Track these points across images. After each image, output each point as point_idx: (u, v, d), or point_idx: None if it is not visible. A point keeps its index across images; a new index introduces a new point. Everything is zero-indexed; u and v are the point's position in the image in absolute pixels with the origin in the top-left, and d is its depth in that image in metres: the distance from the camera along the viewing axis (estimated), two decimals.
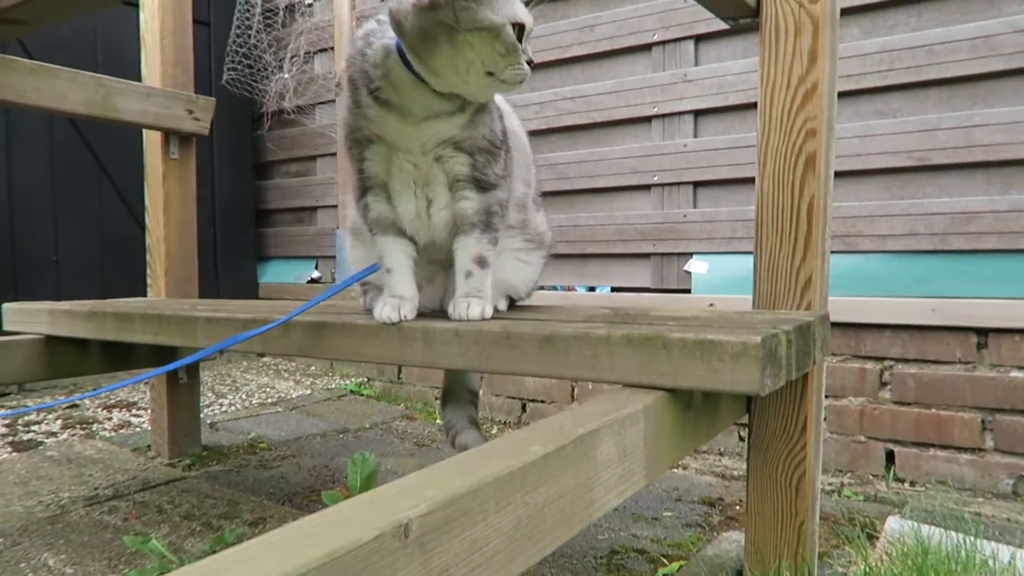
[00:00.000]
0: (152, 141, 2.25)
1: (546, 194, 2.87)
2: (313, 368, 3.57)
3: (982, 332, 2.05)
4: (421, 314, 1.27)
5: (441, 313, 1.29)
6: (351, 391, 3.18)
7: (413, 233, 1.27)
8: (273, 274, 3.92)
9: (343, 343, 1.28)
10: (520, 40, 1.04)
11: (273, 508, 1.80)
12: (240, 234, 3.89)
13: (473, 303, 1.21)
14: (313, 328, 1.32)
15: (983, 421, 2.04)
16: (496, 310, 1.33)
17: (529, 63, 1.05)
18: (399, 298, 1.23)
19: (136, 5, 2.30)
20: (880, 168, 2.26)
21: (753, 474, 1.29)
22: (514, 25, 1.03)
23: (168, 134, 2.22)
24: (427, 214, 1.25)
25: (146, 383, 2.29)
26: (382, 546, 0.53)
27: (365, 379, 3.35)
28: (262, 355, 3.83)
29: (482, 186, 1.23)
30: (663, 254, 2.63)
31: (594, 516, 0.82)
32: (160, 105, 2.15)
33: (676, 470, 2.27)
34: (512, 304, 1.44)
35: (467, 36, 1.03)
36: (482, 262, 1.24)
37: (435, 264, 1.34)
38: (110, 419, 2.61)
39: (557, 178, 2.88)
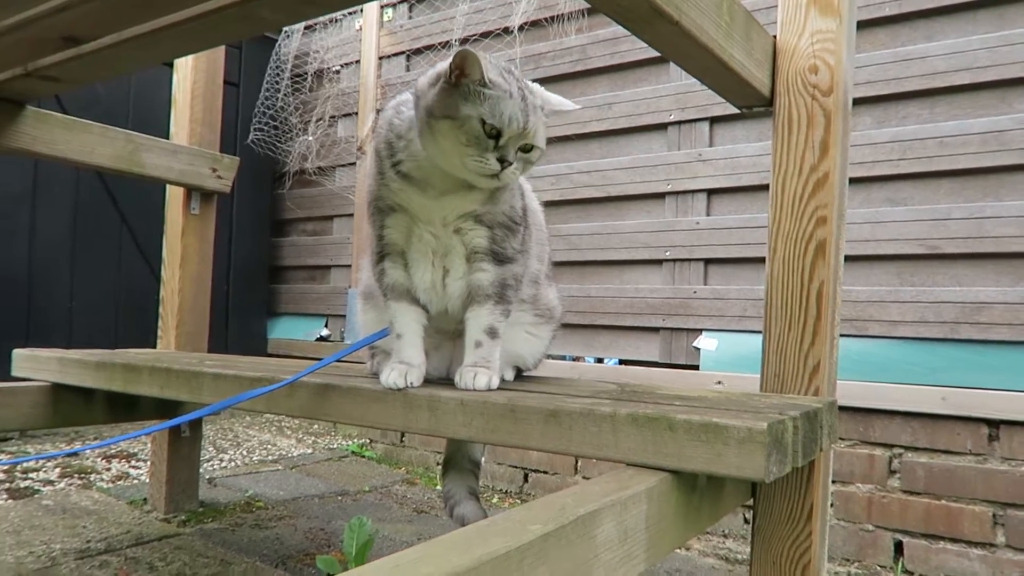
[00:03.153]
0: (174, 196, 2.30)
1: (558, 264, 2.90)
2: (316, 427, 3.55)
3: (993, 424, 2.02)
4: (427, 381, 1.27)
5: (446, 381, 1.29)
6: (352, 452, 3.15)
7: (426, 301, 1.28)
8: (283, 330, 3.94)
9: (348, 407, 1.28)
10: (499, 139, 1.07)
11: (266, 571, 1.76)
12: (253, 289, 3.93)
13: (480, 373, 1.21)
14: (319, 390, 1.33)
15: (994, 515, 1.99)
16: (503, 380, 1.33)
17: (501, 161, 1.08)
18: (407, 364, 1.24)
19: (171, 66, 2.38)
20: (891, 254, 2.27)
21: (757, 561, 1.26)
22: (485, 123, 1.06)
23: (191, 190, 2.27)
24: (443, 283, 1.26)
25: (152, 438, 2.29)
26: None
27: (367, 440, 3.32)
28: (265, 411, 3.82)
29: (499, 259, 1.25)
30: (672, 329, 2.64)
31: None
32: (185, 162, 2.20)
33: (679, 551, 2.22)
34: (519, 374, 1.44)
35: (438, 122, 1.07)
36: (493, 333, 1.25)
37: (443, 333, 1.35)
38: (109, 469, 2.59)
39: (569, 248, 2.91)
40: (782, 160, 1.30)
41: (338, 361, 1.35)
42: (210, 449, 2.99)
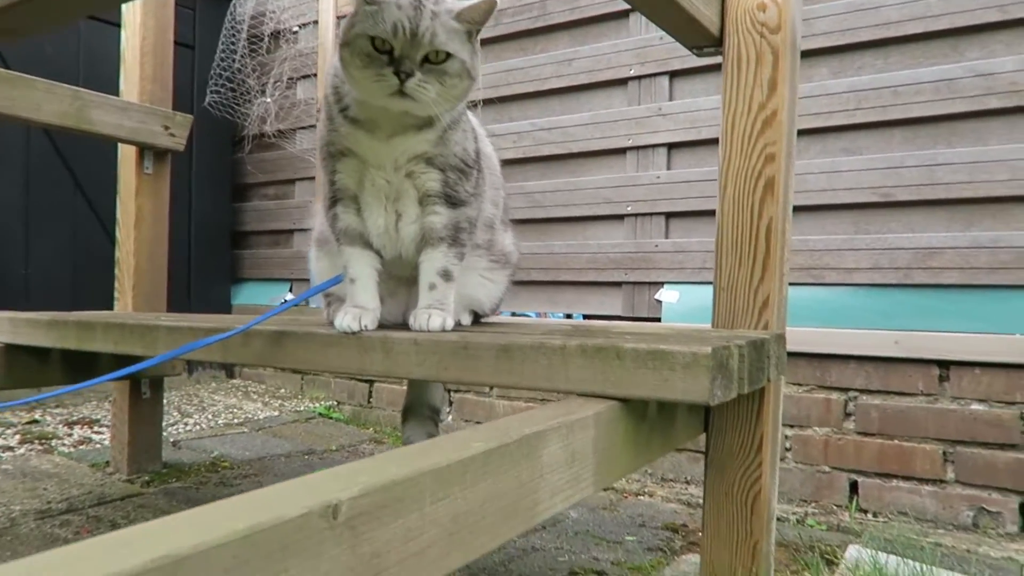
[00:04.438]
0: (127, 155, 2.25)
1: (522, 222, 2.90)
2: (283, 390, 3.54)
3: (944, 365, 2.08)
4: (383, 327, 1.27)
5: (403, 326, 1.29)
6: (320, 414, 3.15)
7: (380, 246, 1.28)
8: (247, 296, 3.90)
9: (303, 352, 1.28)
10: (393, 53, 1.06)
11: None
12: (215, 255, 3.88)
13: (434, 314, 1.21)
14: (274, 337, 1.32)
15: (944, 453, 2.06)
16: (460, 325, 1.34)
17: (398, 74, 1.06)
18: (361, 308, 1.24)
19: (119, 25, 2.32)
20: (846, 204, 2.31)
21: (709, 493, 1.29)
22: (374, 39, 1.05)
23: (143, 149, 2.22)
24: (396, 228, 1.26)
25: (110, 398, 2.26)
26: (308, 524, 0.53)
27: (335, 402, 3.32)
28: (231, 376, 3.79)
29: (452, 202, 1.24)
30: (635, 283, 2.66)
31: (538, 518, 0.82)
32: (136, 120, 2.16)
33: (642, 497, 2.27)
34: (477, 320, 1.45)
35: (343, 53, 1.09)
36: (447, 275, 1.25)
37: (398, 279, 1.34)
38: (71, 435, 2.57)
39: (533, 206, 2.91)
40: (732, 99, 1.31)
41: (297, 314, 1.35)
42: (175, 414, 2.97)
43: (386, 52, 1.06)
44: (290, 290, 3.70)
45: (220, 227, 3.91)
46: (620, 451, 0.98)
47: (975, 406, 2.03)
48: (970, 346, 2.04)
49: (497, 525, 0.74)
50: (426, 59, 1.07)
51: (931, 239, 2.16)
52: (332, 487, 0.57)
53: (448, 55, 1.08)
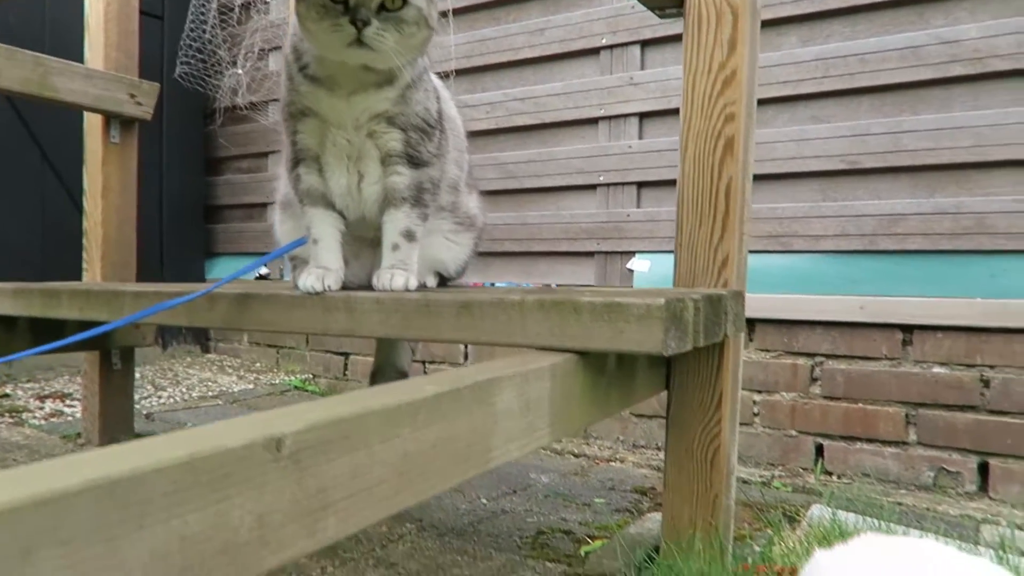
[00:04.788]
0: (93, 124, 2.22)
1: (496, 193, 2.90)
2: (258, 364, 3.54)
3: (907, 329, 2.12)
4: (347, 288, 1.27)
5: (367, 288, 1.30)
6: (295, 387, 3.15)
7: (343, 207, 1.28)
8: (221, 270, 3.88)
9: (268, 314, 1.29)
10: (348, 3, 1.06)
11: None
12: (189, 230, 3.85)
13: (397, 274, 1.22)
14: (239, 300, 1.32)
15: (907, 415, 2.10)
16: (425, 287, 1.35)
17: (354, 23, 1.06)
18: (324, 269, 1.24)
19: None
20: (814, 171, 2.33)
21: (671, 449, 1.32)
22: None
23: (109, 118, 2.19)
24: (358, 188, 1.26)
25: (81, 371, 2.25)
26: (251, 455, 0.54)
27: (310, 376, 3.33)
28: (206, 351, 3.78)
29: (415, 163, 1.25)
30: (607, 252, 2.67)
31: (492, 463, 0.84)
32: (101, 87, 2.13)
33: (614, 463, 2.30)
34: (443, 283, 1.46)
35: (299, 7, 1.09)
36: (410, 236, 1.26)
37: (363, 240, 1.35)
38: (42, 408, 2.55)
39: (507, 177, 2.91)
40: (692, 59, 1.31)
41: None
42: (148, 387, 2.96)
43: (341, 2, 1.05)
44: (264, 264, 3.68)
45: (193, 201, 3.88)
46: (578, 403, 1.00)
47: (937, 369, 2.07)
48: (932, 310, 2.08)
49: (449, 468, 0.76)
50: (382, 7, 1.07)
51: (896, 206, 2.19)
52: (277, 422, 0.58)
53: (404, 2, 1.08)
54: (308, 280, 1.21)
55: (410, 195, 1.24)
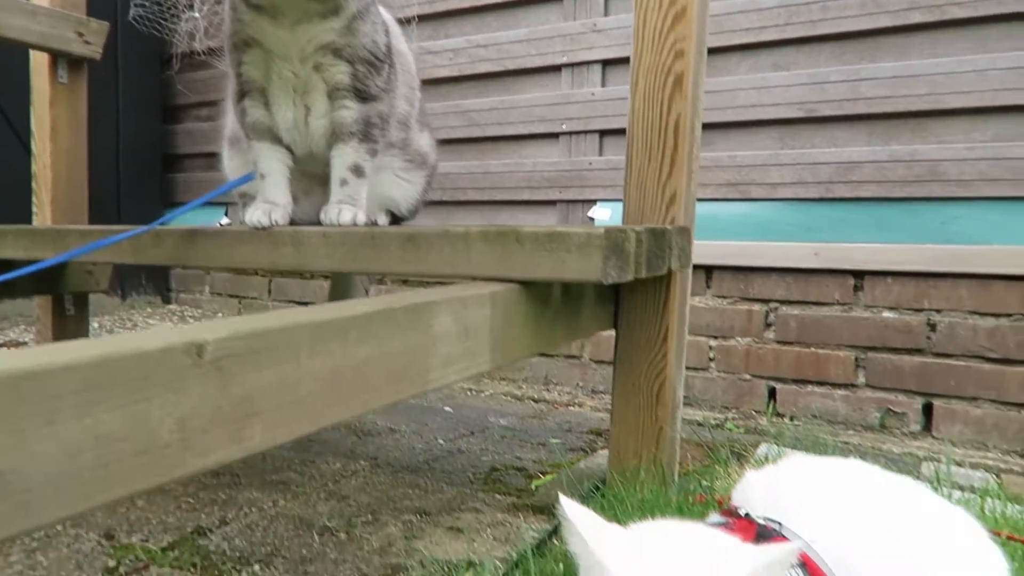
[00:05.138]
0: (39, 64, 2.16)
1: (458, 141, 2.88)
2: (220, 314, 3.51)
3: (859, 275, 2.16)
4: (296, 225, 1.27)
5: (317, 225, 1.29)
6: None
7: (290, 142, 1.27)
8: (181, 221, 3.81)
9: (215, 250, 1.28)
10: None
11: None
12: (146, 179, 3.77)
13: (345, 209, 1.22)
14: (186, 236, 1.31)
15: (856, 359, 2.16)
16: (375, 225, 1.35)
17: None
18: (271, 203, 1.23)
19: None
20: (773, 119, 2.34)
21: (618, 383, 1.34)
22: None
23: (56, 57, 2.13)
24: (305, 123, 1.25)
25: (36, 318, 2.22)
26: (171, 359, 0.54)
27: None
28: (167, 302, 3.74)
29: (362, 96, 1.23)
30: (569, 201, 2.68)
31: (431, 385, 0.85)
32: (46, 24, 2.06)
33: (572, 408, 2.34)
34: (395, 222, 1.45)
35: None
36: (358, 171, 1.25)
37: (312, 178, 1.34)
38: None
39: (469, 125, 2.88)
40: None
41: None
42: (106, 337, 2.93)
43: None
44: (225, 214, 3.63)
45: (150, 150, 3.79)
46: (520, 331, 1.01)
47: (886, 314, 2.12)
48: (884, 256, 2.12)
49: (384, 386, 0.76)
50: None
51: (852, 154, 2.21)
52: (200, 330, 0.58)
53: None
54: (255, 215, 1.20)
55: (358, 130, 1.23)
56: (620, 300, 1.32)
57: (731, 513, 0.89)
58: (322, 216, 1.22)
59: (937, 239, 2.09)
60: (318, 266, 1.16)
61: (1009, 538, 1.32)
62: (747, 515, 0.86)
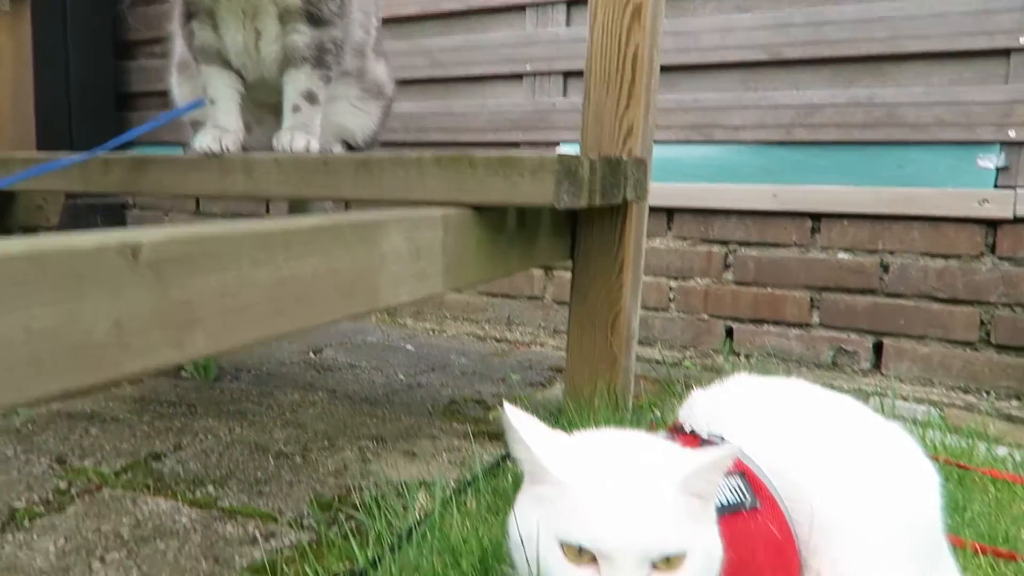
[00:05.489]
0: None
1: (422, 81, 2.83)
2: None
3: (816, 217, 2.19)
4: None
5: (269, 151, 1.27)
6: None
7: (240, 66, 1.24)
8: None
9: (165, 177, 1.25)
10: None
11: None
12: (99, 119, 3.66)
13: (298, 136, 1.20)
14: (135, 163, 1.28)
15: (812, 299, 2.20)
16: (330, 153, 1.33)
17: None
18: (221, 129, 1.21)
19: None
20: (737, 62, 2.33)
21: (574, 313, 1.36)
22: None
23: None
24: (256, 47, 1.22)
25: None
26: (104, 259, 0.54)
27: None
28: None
29: (315, 21, 1.20)
30: (533, 142, 2.66)
31: (381, 303, 0.85)
32: None
33: (535, 347, 2.37)
34: (350, 151, 1.44)
35: None
36: (311, 98, 1.23)
37: (265, 107, 1.31)
38: None
39: (433, 65, 2.83)
40: None
41: None
42: None
43: None
44: (182, 152, 3.55)
45: (103, 89, 3.67)
46: (473, 256, 1.01)
47: (841, 255, 2.16)
48: (841, 198, 2.15)
49: (333, 301, 0.76)
50: None
51: (813, 97, 2.22)
52: (136, 233, 0.58)
53: None
54: (204, 140, 1.18)
55: (311, 55, 1.21)
56: (577, 232, 1.33)
57: (677, 429, 0.91)
58: (274, 143, 1.21)
59: (894, 182, 2.12)
60: (270, 193, 1.15)
61: (946, 462, 1.38)
62: (692, 431, 0.89)
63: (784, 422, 0.88)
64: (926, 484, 0.88)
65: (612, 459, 0.69)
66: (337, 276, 0.77)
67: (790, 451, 0.84)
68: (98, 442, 1.23)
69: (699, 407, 0.94)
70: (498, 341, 2.43)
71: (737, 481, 0.78)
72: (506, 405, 0.68)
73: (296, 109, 1.21)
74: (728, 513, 0.75)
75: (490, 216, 1.03)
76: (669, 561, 0.65)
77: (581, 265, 1.33)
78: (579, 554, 0.65)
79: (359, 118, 1.37)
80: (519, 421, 0.67)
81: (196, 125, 1.37)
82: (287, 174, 1.13)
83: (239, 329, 0.66)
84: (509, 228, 1.10)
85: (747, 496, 0.77)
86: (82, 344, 0.53)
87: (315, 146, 1.21)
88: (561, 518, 0.66)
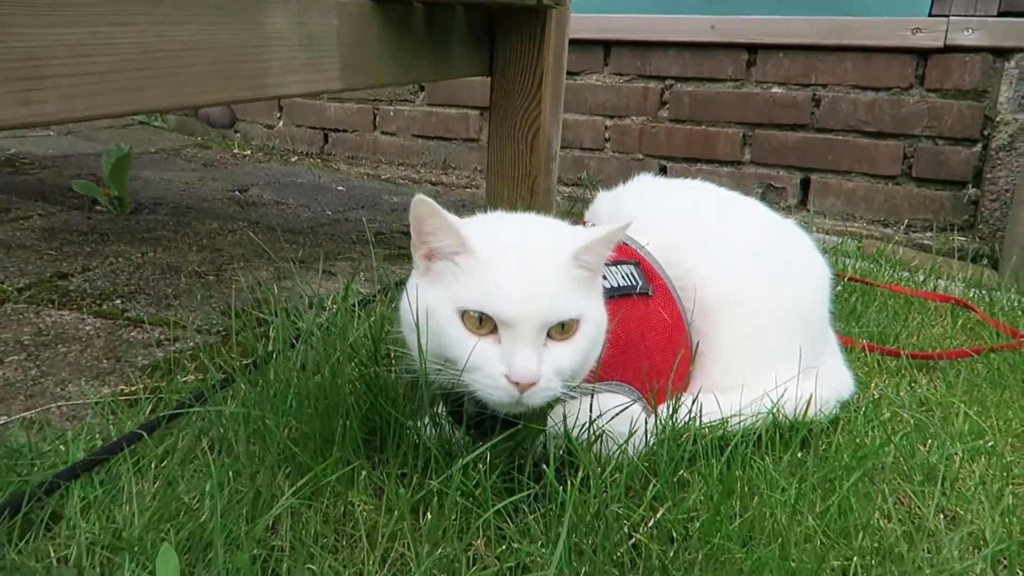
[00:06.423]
0: None
1: None
2: None
3: (752, 49, 2.15)
4: None
5: None
6: (141, 122, 2.96)
7: None
8: None
9: None
10: None
11: (22, 203, 1.69)
12: None
13: None
14: None
15: (744, 136, 2.20)
16: None
17: None
18: None
19: None
20: None
21: (493, 134, 1.33)
22: None
23: None
24: None
25: None
26: None
27: (157, 114, 3.12)
28: None
29: None
30: None
31: (270, 91, 0.81)
32: None
33: (470, 190, 2.35)
34: None
35: None
36: None
37: None
38: None
39: None
40: None
41: None
42: None
43: None
44: None
45: None
46: (376, 54, 0.97)
47: (775, 89, 2.14)
48: (777, 28, 2.10)
49: (209, 79, 0.72)
50: None
51: None
52: None
53: None
54: None
55: None
56: (496, 44, 1.28)
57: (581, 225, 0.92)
58: None
59: (830, 11, 2.08)
60: None
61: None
62: (593, 225, 0.89)
63: (681, 218, 0.89)
64: (816, 276, 0.92)
65: (516, 235, 0.70)
66: (215, 54, 0.72)
67: (685, 244, 0.86)
68: (1, 264, 1.19)
69: (603, 206, 0.95)
70: (433, 184, 2.40)
71: (630, 268, 0.80)
72: (417, 196, 0.67)
73: None
74: (619, 295, 0.77)
75: (393, 11, 0.98)
76: (564, 328, 0.67)
77: (499, 79, 1.29)
78: (479, 324, 0.66)
79: None
80: (431, 206, 0.67)
81: None
82: None
83: (100, 96, 0.62)
84: (417, 28, 1.05)
85: (638, 281, 0.79)
86: None
87: None
88: (467, 289, 0.67)
